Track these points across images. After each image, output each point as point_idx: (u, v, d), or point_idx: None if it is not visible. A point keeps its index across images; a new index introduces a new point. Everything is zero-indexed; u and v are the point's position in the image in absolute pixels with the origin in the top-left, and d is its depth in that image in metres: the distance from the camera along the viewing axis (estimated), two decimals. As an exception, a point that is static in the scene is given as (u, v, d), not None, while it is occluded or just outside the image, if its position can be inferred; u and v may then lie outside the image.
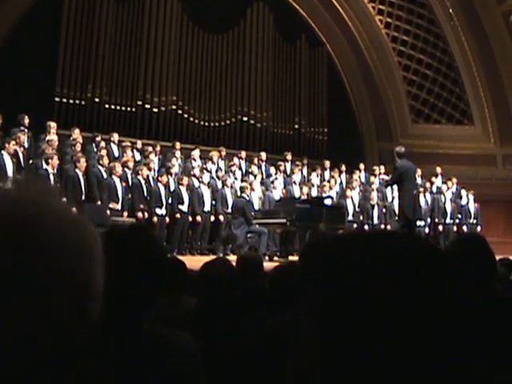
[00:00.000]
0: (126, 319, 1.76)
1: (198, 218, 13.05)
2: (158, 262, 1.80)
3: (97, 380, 1.68)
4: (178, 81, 17.54)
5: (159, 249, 1.85)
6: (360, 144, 20.93)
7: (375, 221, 15.50)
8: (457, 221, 16.76)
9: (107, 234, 1.88)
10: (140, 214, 12.03)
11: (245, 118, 18.45)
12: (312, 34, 20.53)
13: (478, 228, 16.76)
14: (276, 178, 14.82)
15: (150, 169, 12.85)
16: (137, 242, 1.79)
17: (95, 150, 13.24)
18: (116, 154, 13.73)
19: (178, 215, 12.77)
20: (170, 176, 13.12)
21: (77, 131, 13.32)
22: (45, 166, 11.04)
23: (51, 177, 10.99)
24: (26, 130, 12.24)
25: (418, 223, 14.61)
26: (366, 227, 15.18)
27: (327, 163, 17.12)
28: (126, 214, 11.83)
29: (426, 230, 16.26)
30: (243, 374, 2.60)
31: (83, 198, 11.42)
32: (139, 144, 14.58)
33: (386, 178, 15.40)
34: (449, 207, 16.60)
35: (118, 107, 16.55)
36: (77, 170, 11.48)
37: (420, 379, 0.80)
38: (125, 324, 1.76)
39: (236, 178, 14.27)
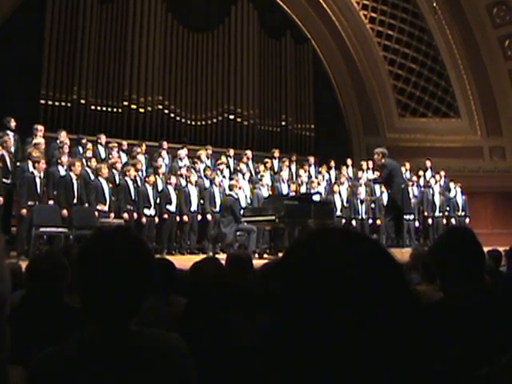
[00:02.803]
0: (115, 320, 1.75)
1: (185, 218, 13.04)
2: (145, 262, 1.79)
3: (86, 380, 1.67)
4: (163, 80, 17.50)
5: (146, 249, 1.84)
6: (347, 139, 20.97)
7: (363, 216, 15.56)
8: (446, 213, 16.83)
9: (93, 236, 1.87)
10: (126, 215, 11.99)
11: (231, 116, 18.44)
12: (297, 30, 20.54)
13: (467, 220, 16.84)
14: (263, 176, 14.81)
15: (137, 169, 12.82)
16: (123, 243, 1.77)
17: (81, 151, 13.17)
18: (103, 155, 13.68)
19: (165, 215, 12.77)
20: (157, 176, 13.11)
21: (63, 134, 13.23)
22: (31, 169, 10.99)
23: (37, 180, 10.94)
24: (13, 134, 12.18)
25: (407, 217, 14.70)
26: (354, 222, 15.25)
27: (311, 159, 17.11)
28: (112, 215, 11.81)
29: (416, 223, 16.32)
30: (234, 373, 2.60)
31: (75, 201, 11.39)
32: (125, 145, 14.51)
33: (373, 176, 15.49)
34: (437, 200, 16.66)
35: (104, 108, 16.50)
36: (71, 174, 11.43)
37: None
38: (113, 325, 1.75)
39: (224, 177, 14.25)
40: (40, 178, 11.05)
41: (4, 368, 0.79)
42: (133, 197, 12.30)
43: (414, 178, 16.74)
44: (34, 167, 10.98)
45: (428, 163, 17.73)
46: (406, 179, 13.86)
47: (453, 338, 2.39)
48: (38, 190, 10.95)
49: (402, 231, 12.77)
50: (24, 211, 10.58)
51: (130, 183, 12.39)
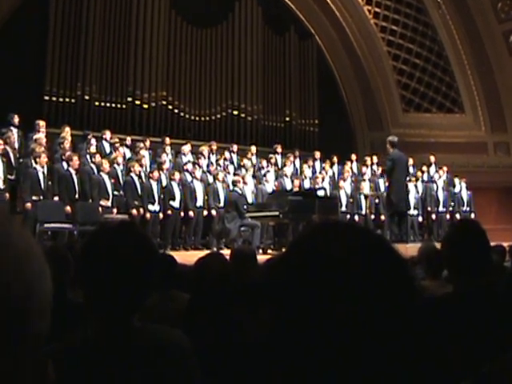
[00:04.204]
0: (118, 317, 1.75)
1: (191, 214, 13.03)
2: (148, 258, 1.79)
3: (89, 376, 1.67)
4: (167, 76, 17.50)
5: (150, 245, 1.84)
6: (351, 134, 20.96)
7: (367, 211, 15.52)
8: (450, 209, 16.81)
9: (97, 232, 1.87)
10: (135, 211, 11.98)
11: (235, 112, 18.43)
12: (301, 25, 20.51)
13: (472, 215, 16.81)
14: (268, 171, 14.82)
15: (141, 165, 12.81)
16: (126, 238, 1.77)
17: (86, 147, 13.18)
18: (108, 151, 13.68)
19: (169, 211, 12.76)
20: (161, 172, 13.10)
21: (67, 129, 13.26)
22: (34, 164, 11.00)
23: (40, 175, 10.94)
24: (16, 130, 12.21)
25: (411, 212, 14.71)
26: (357, 217, 15.20)
27: (317, 154, 17.12)
28: (115, 210, 11.80)
29: (420, 218, 16.29)
30: (237, 370, 2.60)
31: (77, 196, 11.40)
32: (128, 140, 14.51)
33: (378, 171, 15.51)
34: (441, 196, 16.64)
35: (108, 104, 16.50)
36: (70, 169, 11.44)
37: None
38: (117, 321, 1.75)
39: (228, 172, 14.25)
40: (43, 172, 11.06)
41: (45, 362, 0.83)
42: (139, 192, 12.30)
43: (419, 174, 16.72)
44: (36, 162, 10.99)
45: (432, 158, 17.73)
46: (409, 174, 13.83)
47: (454, 335, 2.38)
48: (42, 185, 10.96)
49: (405, 226, 12.74)
50: (28, 205, 10.58)
51: (136, 179, 12.38)
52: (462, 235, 2.70)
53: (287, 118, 19.67)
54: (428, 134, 20.05)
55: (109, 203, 11.71)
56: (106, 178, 11.86)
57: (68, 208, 11.01)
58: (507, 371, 1.38)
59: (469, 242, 2.65)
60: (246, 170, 14.49)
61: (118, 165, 12.54)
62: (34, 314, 0.77)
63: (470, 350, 2.26)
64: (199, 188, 13.28)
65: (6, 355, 0.73)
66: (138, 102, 16.81)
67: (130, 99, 16.75)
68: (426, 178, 17.21)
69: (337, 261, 0.82)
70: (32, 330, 0.77)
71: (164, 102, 17.23)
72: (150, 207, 12.43)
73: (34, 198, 10.74)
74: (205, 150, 14.80)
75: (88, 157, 12.48)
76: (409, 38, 20.35)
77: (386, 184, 13.84)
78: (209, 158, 14.89)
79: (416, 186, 16.11)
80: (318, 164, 16.89)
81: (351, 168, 16.55)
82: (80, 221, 10.69)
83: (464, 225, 2.95)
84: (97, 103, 16.28)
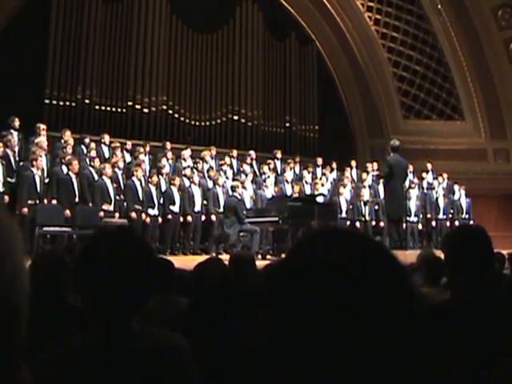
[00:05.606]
0: (117, 319, 1.75)
1: (189, 219, 13.03)
2: (147, 261, 1.79)
3: (88, 378, 1.67)
4: (168, 81, 17.50)
5: (148, 249, 1.84)
6: (351, 141, 20.96)
7: (367, 217, 15.50)
8: (450, 216, 16.79)
9: (96, 235, 1.87)
10: (134, 215, 11.98)
11: (235, 117, 18.43)
12: (301, 31, 20.53)
13: (471, 223, 16.79)
14: (268, 177, 14.82)
15: (142, 169, 12.81)
16: (125, 242, 1.77)
17: (85, 151, 13.18)
18: (107, 155, 13.68)
19: (169, 216, 12.76)
20: (160, 176, 13.11)
21: (68, 133, 13.25)
22: (31, 167, 11.01)
23: (37, 178, 10.92)
24: (17, 133, 12.21)
25: (411, 219, 14.69)
26: (358, 224, 15.19)
27: (319, 160, 17.10)
28: (117, 215, 11.81)
29: (419, 225, 16.27)
30: (236, 374, 2.60)
31: (76, 200, 11.40)
32: (129, 145, 14.52)
33: (376, 173, 15.49)
34: (441, 203, 16.63)
35: (109, 108, 16.51)
36: (70, 173, 11.43)
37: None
38: (115, 324, 1.75)
39: (227, 177, 14.25)
40: (39, 176, 11.05)
41: (18, 370, 0.82)
42: (140, 197, 12.29)
43: (416, 180, 16.68)
44: (33, 165, 10.98)
45: (429, 166, 17.72)
46: (409, 181, 13.77)
47: (454, 341, 2.38)
48: (38, 189, 10.94)
49: (405, 233, 12.73)
50: (25, 210, 10.57)
51: (138, 183, 12.37)
52: (462, 240, 2.69)
53: (287, 124, 19.67)
54: (428, 141, 20.06)
55: (111, 207, 11.72)
56: (108, 182, 11.85)
57: (67, 212, 11.00)
58: (505, 375, 1.39)
59: (469, 247, 2.64)
60: (246, 176, 14.49)
61: (119, 169, 12.56)
62: (21, 311, 0.78)
63: (468, 355, 2.26)
64: (197, 193, 13.28)
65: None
66: (138, 107, 16.82)
67: (130, 103, 16.75)
68: (425, 185, 17.20)
69: (336, 267, 0.83)
70: (19, 325, 0.77)
71: (164, 107, 17.24)
72: (150, 211, 12.43)
73: (30, 201, 10.71)
74: (207, 155, 14.81)
75: (87, 160, 12.48)
76: (409, 45, 20.37)
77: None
78: (209, 162, 14.88)
79: (416, 193, 16.10)
80: (318, 170, 16.87)
81: (351, 174, 16.53)
82: (79, 224, 10.69)
83: (465, 230, 2.96)
84: (97, 107, 16.28)
